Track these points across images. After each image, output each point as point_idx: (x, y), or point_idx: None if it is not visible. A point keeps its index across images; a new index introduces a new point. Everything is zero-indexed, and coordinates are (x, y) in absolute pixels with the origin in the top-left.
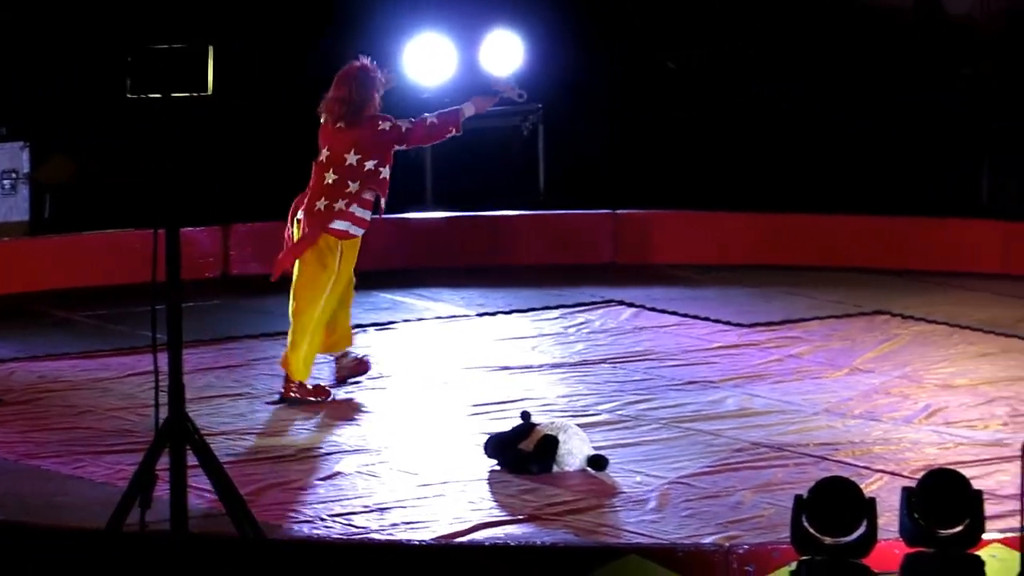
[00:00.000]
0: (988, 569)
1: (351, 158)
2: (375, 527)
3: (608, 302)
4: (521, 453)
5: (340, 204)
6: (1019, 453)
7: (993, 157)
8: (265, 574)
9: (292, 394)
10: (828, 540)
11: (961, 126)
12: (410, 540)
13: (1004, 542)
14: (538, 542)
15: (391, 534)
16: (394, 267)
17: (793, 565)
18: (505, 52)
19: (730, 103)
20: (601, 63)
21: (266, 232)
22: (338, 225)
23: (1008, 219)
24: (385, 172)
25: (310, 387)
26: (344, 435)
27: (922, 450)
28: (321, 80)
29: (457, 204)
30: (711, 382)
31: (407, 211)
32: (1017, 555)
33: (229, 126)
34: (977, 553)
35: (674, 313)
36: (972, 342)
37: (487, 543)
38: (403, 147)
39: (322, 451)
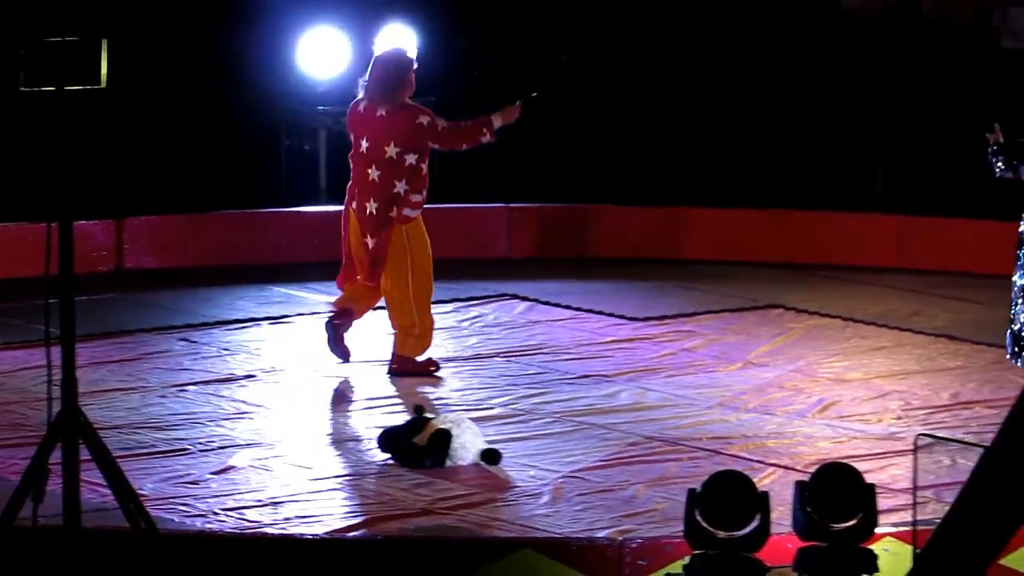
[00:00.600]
0: (881, 563)
1: (391, 151)
2: (268, 521)
3: (502, 296)
4: (414, 447)
5: (393, 212)
6: (912, 447)
7: (888, 151)
8: (158, 568)
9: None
10: (721, 534)
11: (856, 121)
12: (303, 534)
13: (897, 536)
14: (431, 536)
15: (284, 528)
16: (289, 261)
17: (686, 559)
18: (399, 44)
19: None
20: (493, 52)
21: (160, 226)
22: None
23: (903, 213)
24: (424, 167)
25: (420, 360)
26: (237, 429)
27: (815, 444)
28: (216, 72)
29: None
30: (605, 376)
31: (302, 205)
32: (909, 548)
33: (123, 119)
34: (870, 547)
35: (568, 307)
36: (866, 336)
37: (380, 537)
38: (437, 146)
39: (215, 445)
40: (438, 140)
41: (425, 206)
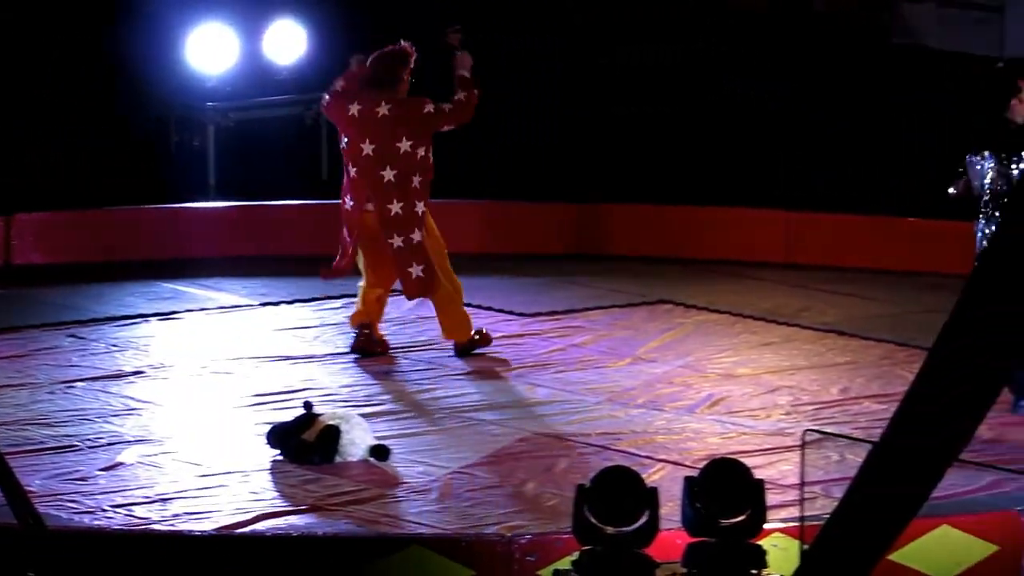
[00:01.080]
0: (770, 558)
1: (404, 146)
2: (157, 518)
3: (393, 292)
4: (303, 443)
5: (419, 207)
6: (800, 442)
7: (779, 147)
8: (46, 565)
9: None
10: (610, 530)
11: (749, 117)
12: (192, 530)
13: (785, 531)
14: (320, 532)
15: (173, 524)
16: (177, 256)
17: (575, 555)
18: (288, 41)
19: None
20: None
21: (49, 222)
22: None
23: (791, 209)
24: (431, 158)
25: (476, 338)
26: (126, 425)
27: (704, 439)
28: (106, 68)
29: (240, 194)
30: (493, 372)
31: (191, 201)
32: (798, 544)
33: (12, 115)
34: (759, 543)
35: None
36: (755, 331)
37: (269, 533)
38: (449, 127)
39: (104, 441)
40: (449, 121)
41: (313, 202)
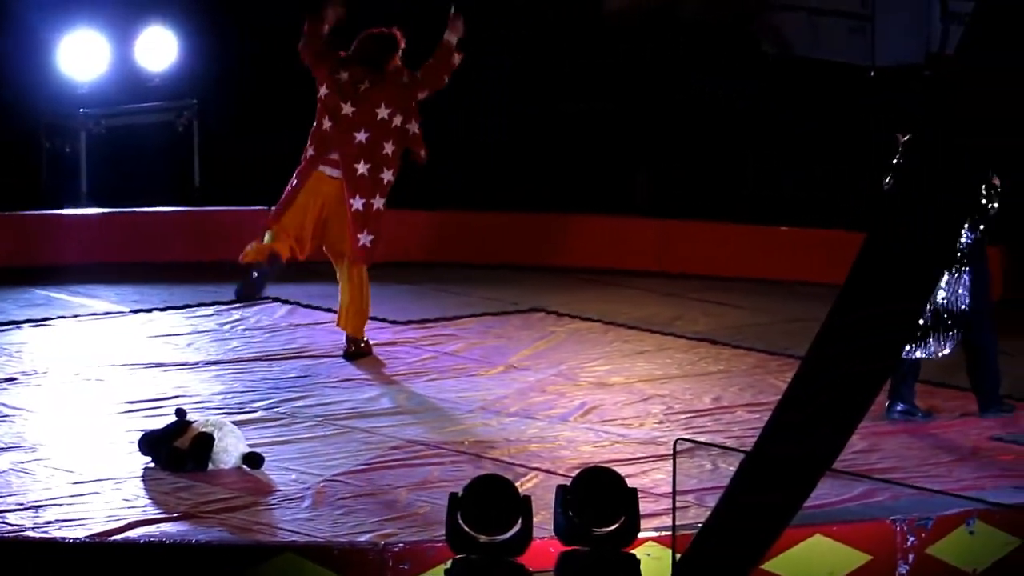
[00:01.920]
0: (643, 567)
1: (382, 112)
2: (30, 525)
3: (263, 299)
4: (176, 451)
5: (386, 175)
6: (672, 451)
7: (649, 155)
8: None
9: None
10: (483, 538)
11: (617, 126)
12: (65, 538)
13: (659, 540)
14: (193, 540)
15: (46, 532)
16: (49, 263)
17: (448, 563)
18: (159, 48)
19: None
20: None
21: None
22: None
23: (663, 217)
24: (411, 129)
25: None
26: None
27: (578, 448)
28: None
29: (111, 200)
30: (366, 380)
31: (62, 207)
32: (670, 553)
33: None
34: (633, 551)
35: (329, 310)
36: (627, 340)
37: (142, 541)
38: (425, 93)
39: None
40: (423, 87)
41: (184, 208)
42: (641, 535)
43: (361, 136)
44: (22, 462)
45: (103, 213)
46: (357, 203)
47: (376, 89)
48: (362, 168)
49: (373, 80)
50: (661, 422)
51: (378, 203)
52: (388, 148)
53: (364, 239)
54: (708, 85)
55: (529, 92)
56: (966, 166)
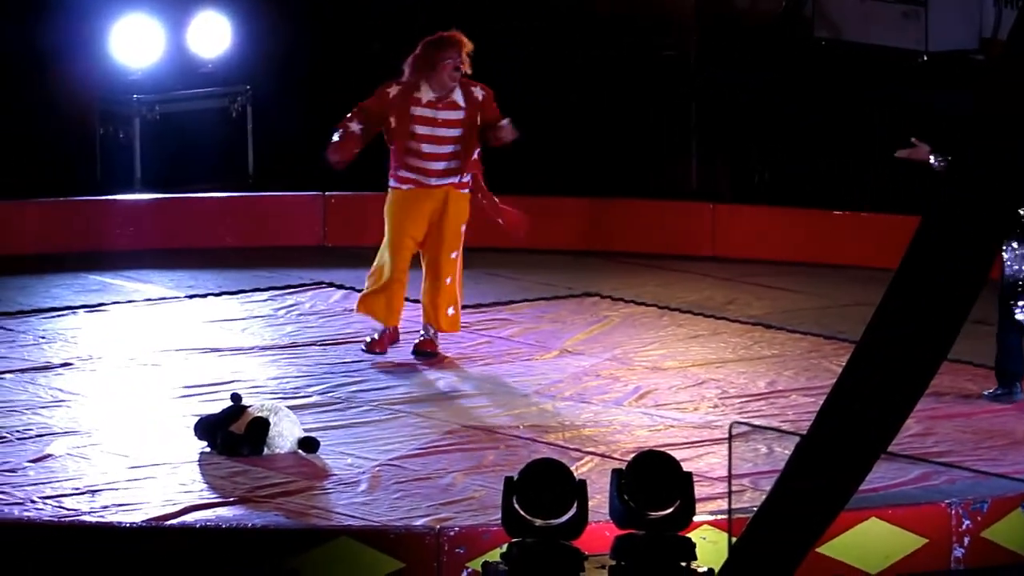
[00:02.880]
0: (699, 551)
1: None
2: (86, 509)
3: (318, 284)
4: (232, 435)
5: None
6: (728, 435)
7: (701, 140)
8: None
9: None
10: (539, 522)
11: (671, 109)
12: (121, 522)
13: (714, 524)
14: (249, 524)
15: (102, 516)
16: (103, 249)
17: (504, 547)
18: (213, 33)
19: None
20: (308, 42)
21: None
22: None
23: (717, 201)
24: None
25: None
26: (55, 417)
27: (632, 432)
28: (30, 61)
29: (165, 186)
30: (421, 364)
31: (116, 193)
32: (726, 537)
33: None
34: (688, 535)
35: None
36: (682, 324)
37: (198, 525)
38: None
39: (33, 433)
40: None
41: (239, 194)
42: (696, 519)
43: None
44: (78, 447)
45: (157, 199)
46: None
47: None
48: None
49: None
50: (715, 406)
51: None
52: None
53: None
54: (753, 71)
55: (574, 81)
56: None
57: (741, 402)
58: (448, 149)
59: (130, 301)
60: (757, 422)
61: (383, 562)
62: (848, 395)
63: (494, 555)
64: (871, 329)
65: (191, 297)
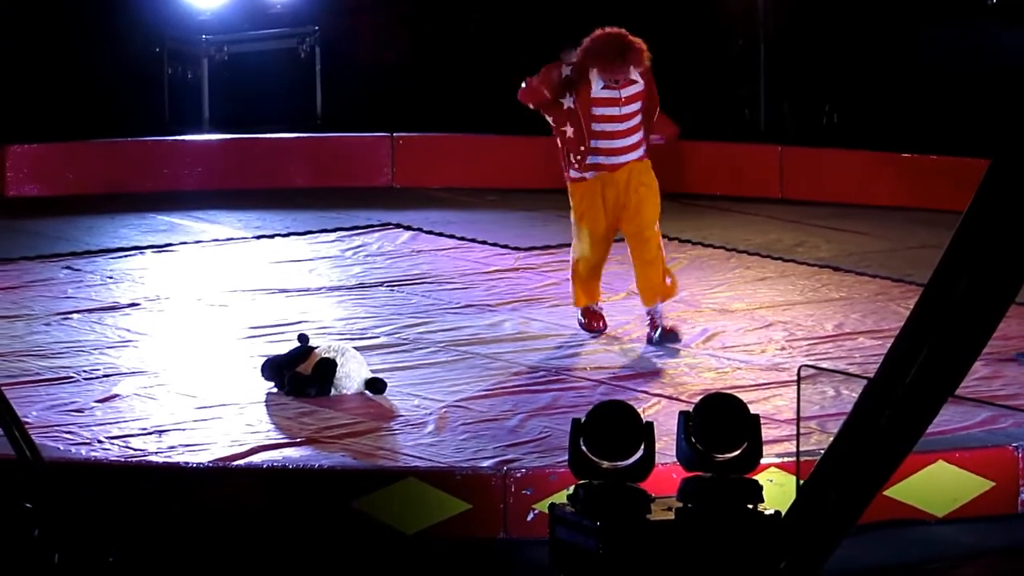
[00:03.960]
0: (765, 493)
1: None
2: (153, 449)
3: (386, 225)
4: (299, 376)
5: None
6: (796, 378)
7: (769, 82)
8: (42, 496)
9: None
10: (606, 464)
11: (740, 50)
12: (188, 462)
13: (781, 466)
14: (316, 465)
15: (169, 456)
16: (171, 189)
17: (571, 489)
18: None
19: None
20: None
21: (43, 154)
22: None
23: (785, 144)
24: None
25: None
26: (122, 357)
27: (700, 374)
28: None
29: (233, 127)
30: (489, 305)
31: (185, 133)
32: (793, 479)
33: (6, 48)
34: (755, 477)
35: (452, 236)
36: (749, 266)
37: (265, 465)
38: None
39: (100, 373)
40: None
41: (307, 135)
42: (764, 461)
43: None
44: (145, 387)
45: (225, 139)
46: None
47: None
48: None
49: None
50: (783, 349)
51: None
52: None
53: None
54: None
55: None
56: None
57: (808, 344)
58: (630, 125)
59: (198, 241)
60: (825, 364)
61: (449, 503)
62: (916, 337)
63: (560, 497)
64: (940, 271)
65: (259, 238)
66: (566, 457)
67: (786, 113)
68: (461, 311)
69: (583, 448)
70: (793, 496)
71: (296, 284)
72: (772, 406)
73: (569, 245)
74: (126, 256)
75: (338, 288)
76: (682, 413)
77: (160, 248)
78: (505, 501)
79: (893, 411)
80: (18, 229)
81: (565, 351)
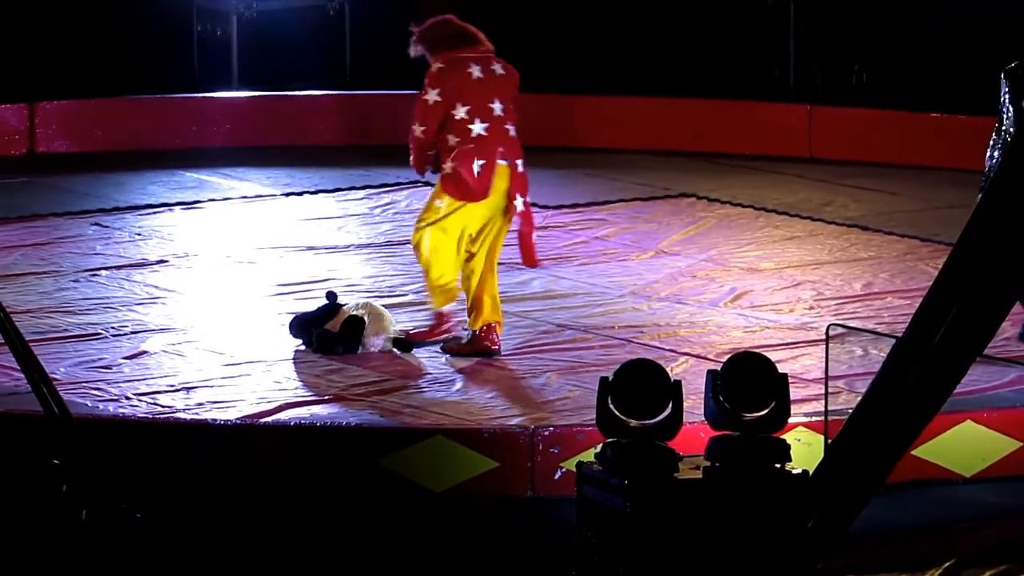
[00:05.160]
0: (793, 452)
1: (510, 106)
2: (181, 406)
3: (414, 183)
4: (327, 333)
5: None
6: (824, 337)
7: (798, 40)
8: (70, 452)
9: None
10: (634, 422)
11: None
12: (216, 419)
13: (809, 426)
14: (343, 422)
15: (197, 413)
16: (200, 146)
17: (598, 447)
18: None
19: None
20: None
21: (73, 110)
22: None
23: (814, 103)
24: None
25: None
26: (150, 314)
27: (728, 333)
28: None
29: (262, 84)
30: (517, 264)
31: (214, 90)
32: (821, 438)
33: (35, 6)
34: (783, 436)
35: None
36: (778, 226)
37: (293, 423)
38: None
39: (128, 330)
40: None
41: (336, 92)
42: (791, 420)
43: (512, 131)
44: (173, 344)
45: (254, 96)
46: (521, 203)
47: (508, 81)
48: (521, 165)
49: (500, 64)
50: (811, 308)
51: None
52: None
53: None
54: None
55: None
56: None
57: (837, 304)
58: None
59: (226, 199)
60: (853, 324)
61: (477, 461)
62: (944, 297)
63: (588, 455)
64: (968, 231)
65: (287, 195)
66: (594, 415)
67: (816, 72)
68: None
69: (611, 406)
70: (821, 455)
71: (324, 241)
72: (800, 365)
73: (597, 204)
74: (155, 213)
75: (367, 245)
76: (710, 372)
77: (188, 205)
78: (533, 459)
79: (921, 371)
80: (47, 185)
81: (593, 309)
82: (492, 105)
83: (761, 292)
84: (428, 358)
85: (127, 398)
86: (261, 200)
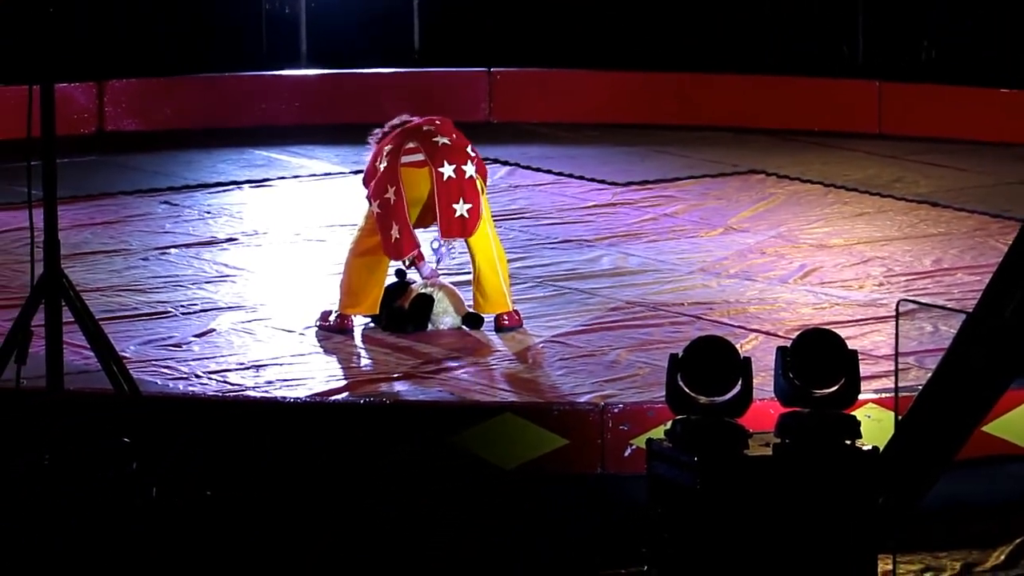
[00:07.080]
0: (863, 429)
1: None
2: (250, 384)
3: (483, 160)
4: (397, 311)
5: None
6: (894, 313)
7: (868, 16)
8: (140, 431)
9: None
10: (703, 399)
11: None
12: (286, 397)
13: (879, 402)
14: (413, 400)
15: (267, 391)
16: (269, 124)
17: (668, 424)
18: None
19: None
20: None
21: (141, 88)
22: None
23: (883, 79)
24: None
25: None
26: (220, 292)
27: (797, 310)
28: None
29: (332, 61)
30: (586, 241)
31: (282, 68)
32: (891, 415)
33: None
34: (852, 413)
35: (549, 172)
36: (847, 202)
37: (363, 401)
38: None
39: (197, 308)
40: None
41: (404, 70)
42: (861, 397)
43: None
44: (243, 322)
45: (323, 74)
46: (448, 170)
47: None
48: (443, 140)
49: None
50: (881, 284)
51: (470, 169)
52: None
53: (461, 208)
54: None
55: None
56: None
57: (907, 280)
58: None
59: (295, 176)
60: (923, 300)
61: (546, 438)
62: (1015, 272)
63: (658, 432)
64: None
65: (356, 172)
66: (663, 392)
67: (884, 48)
68: (558, 246)
69: (681, 383)
70: (891, 432)
71: None
72: (870, 341)
73: (666, 180)
74: (224, 191)
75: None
76: (780, 348)
77: (258, 183)
78: (603, 436)
79: (991, 346)
80: (116, 164)
81: (662, 286)
82: None
83: (830, 268)
84: (497, 336)
85: (196, 376)
86: (330, 178)
